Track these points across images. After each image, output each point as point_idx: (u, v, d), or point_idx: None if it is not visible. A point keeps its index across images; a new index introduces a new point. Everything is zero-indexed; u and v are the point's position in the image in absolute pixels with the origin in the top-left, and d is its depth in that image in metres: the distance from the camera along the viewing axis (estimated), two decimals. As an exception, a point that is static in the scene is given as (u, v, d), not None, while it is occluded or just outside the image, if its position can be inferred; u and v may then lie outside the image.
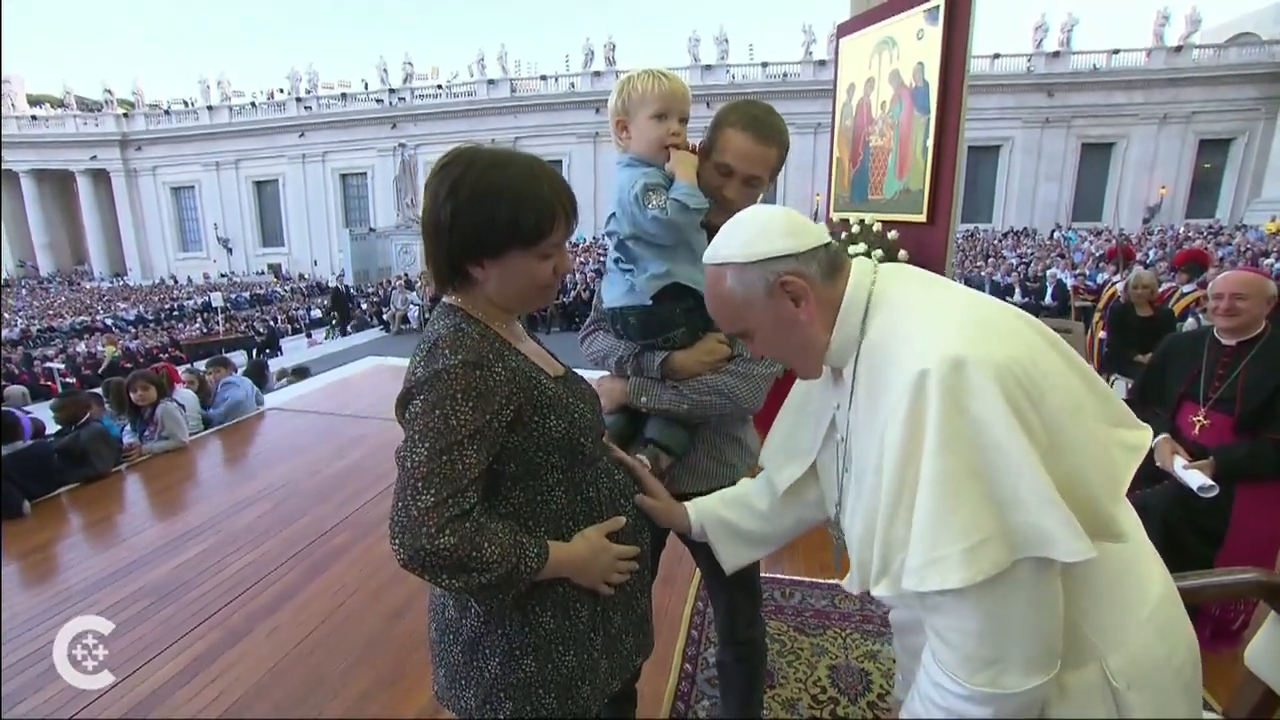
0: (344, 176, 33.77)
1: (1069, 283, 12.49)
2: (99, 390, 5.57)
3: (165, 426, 4.75)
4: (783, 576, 2.78)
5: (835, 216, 4.32)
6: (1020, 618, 0.79)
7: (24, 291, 33.52)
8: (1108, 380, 4.41)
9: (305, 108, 33.32)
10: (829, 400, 1.07)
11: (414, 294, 16.95)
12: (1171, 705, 0.89)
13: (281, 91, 35.01)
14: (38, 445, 4.23)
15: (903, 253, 3.55)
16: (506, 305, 1.04)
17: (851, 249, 3.68)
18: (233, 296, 24.63)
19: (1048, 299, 12.81)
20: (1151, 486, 2.35)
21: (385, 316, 16.99)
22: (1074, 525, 0.75)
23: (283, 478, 4.18)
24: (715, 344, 1.38)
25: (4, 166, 33.33)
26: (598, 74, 29.88)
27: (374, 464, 4.30)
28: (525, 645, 1.01)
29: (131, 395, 4.76)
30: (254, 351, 14.89)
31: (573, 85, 30.70)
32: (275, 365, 8.97)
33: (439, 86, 33.64)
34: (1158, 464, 2.29)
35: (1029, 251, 19.32)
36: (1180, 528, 2.21)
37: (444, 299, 1.05)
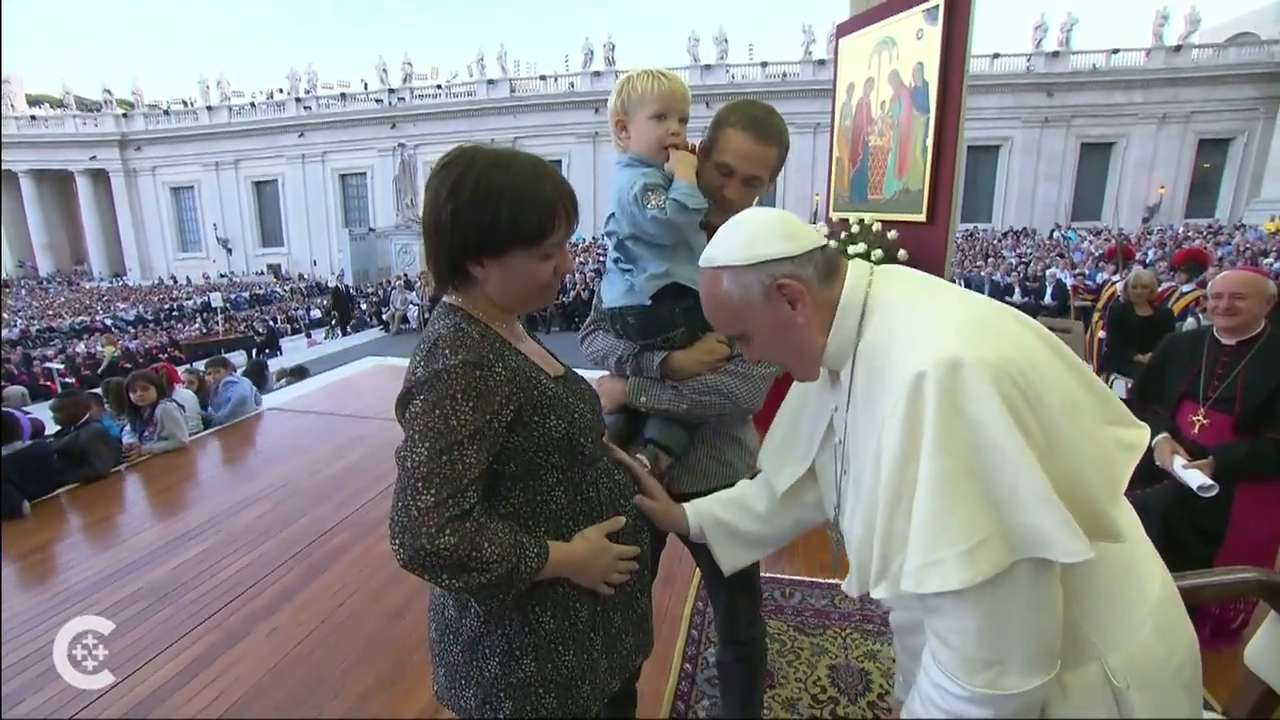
0: (343, 176, 33.76)
1: (1068, 282, 12.49)
2: (98, 390, 5.58)
3: (165, 427, 4.75)
4: (783, 576, 2.78)
5: (835, 216, 4.32)
6: (1019, 619, 0.79)
7: (23, 292, 33.50)
8: (1107, 380, 4.41)
9: (305, 108, 33.31)
10: (826, 402, 1.07)
11: (413, 294, 16.95)
12: (1172, 704, 0.89)
13: (281, 91, 35.00)
14: (37, 445, 4.22)
15: (902, 252, 3.55)
16: (507, 305, 1.04)
17: (851, 249, 3.69)
18: (232, 297, 24.62)
19: (1047, 299, 12.82)
20: (1151, 486, 2.35)
21: (385, 316, 16.99)
22: (1072, 526, 0.76)
23: (282, 478, 4.18)
24: (714, 344, 1.38)
25: (3, 167, 33.29)
26: (597, 74, 29.88)
27: (374, 464, 4.30)
28: (525, 645, 1.01)
29: (131, 395, 4.76)
30: (253, 352, 14.89)
31: (572, 85, 30.70)
32: (275, 365, 8.97)
33: (438, 86, 33.63)
34: (1157, 463, 2.29)
35: (1028, 251, 19.34)
36: (1180, 527, 2.22)
37: (444, 299, 1.04)
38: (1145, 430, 0.93)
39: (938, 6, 3.23)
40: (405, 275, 20.25)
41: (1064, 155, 27.49)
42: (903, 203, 3.67)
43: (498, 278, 1.00)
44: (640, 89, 1.32)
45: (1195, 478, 2.14)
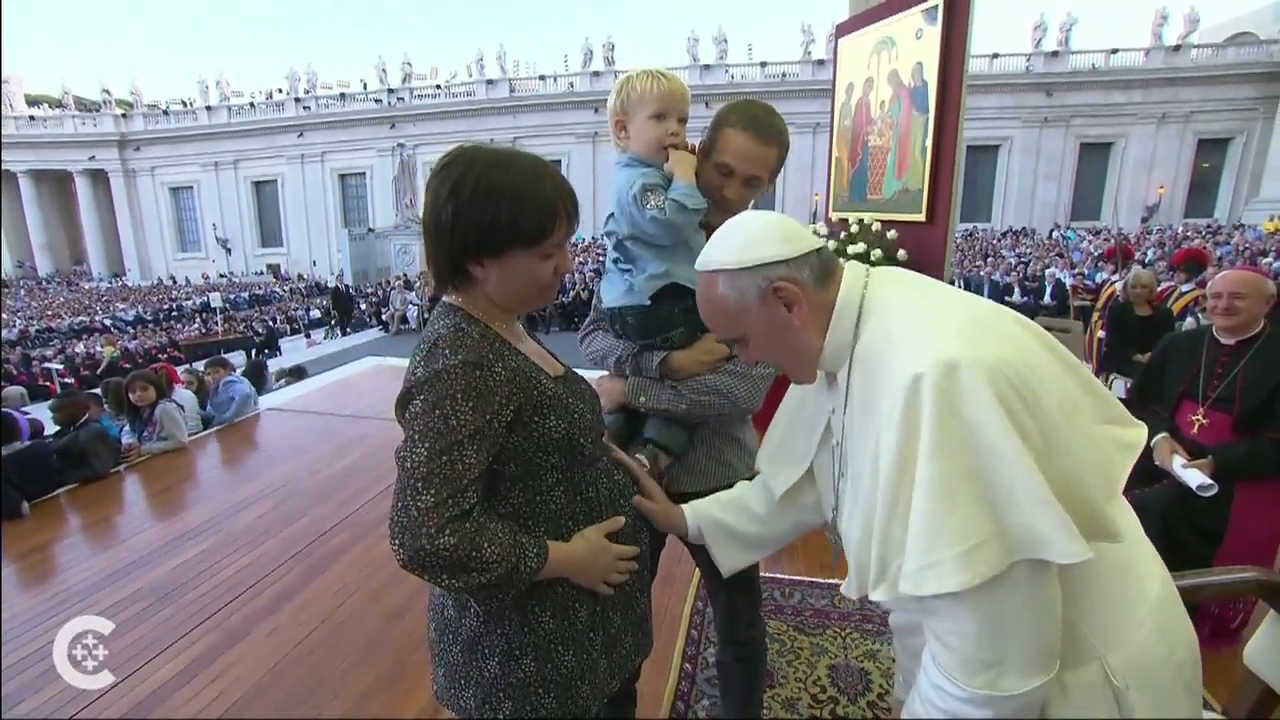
0: (343, 177, 33.74)
1: (1068, 282, 12.49)
2: (98, 391, 5.57)
3: (164, 427, 4.75)
4: (783, 576, 2.78)
5: (834, 216, 4.32)
6: (1018, 620, 0.79)
7: (22, 292, 33.46)
8: (1107, 379, 4.41)
9: (304, 108, 33.29)
10: (824, 405, 1.07)
11: (413, 294, 16.94)
12: (1173, 703, 0.89)
13: (280, 91, 34.97)
14: (36, 446, 4.22)
15: (902, 252, 3.55)
16: (507, 305, 1.04)
17: (851, 248, 3.69)
18: (231, 297, 24.60)
19: (1046, 298, 12.81)
20: (1150, 486, 2.35)
21: (384, 317, 16.98)
22: (1069, 527, 0.76)
23: (282, 478, 4.18)
24: (714, 344, 1.38)
25: (2, 167, 33.27)
26: (596, 74, 29.87)
27: (373, 464, 4.30)
28: (524, 645, 1.01)
29: (130, 396, 4.76)
30: (253, 352, 14.89)
31: (571, 85, 30.69)
32: (274, 366, 8.97)
33: (438, 86, 33.62)
34: (1157, 463, 2.30)
35: (1028, 251, 19.34)
36: (1179, 527, 2.22)
37: (444, 299, 1.04)
38: (1143, 429, 0.93)
39: (937, 6, 3.23)
40: (405, 275, 20.25)
41: (1063, 155, 27.49)
42: (902, 202, 3.67)
43: (498, 277, 1.00)
44: (640, 89, 1.32)
45: (1194, 477, 2.14)
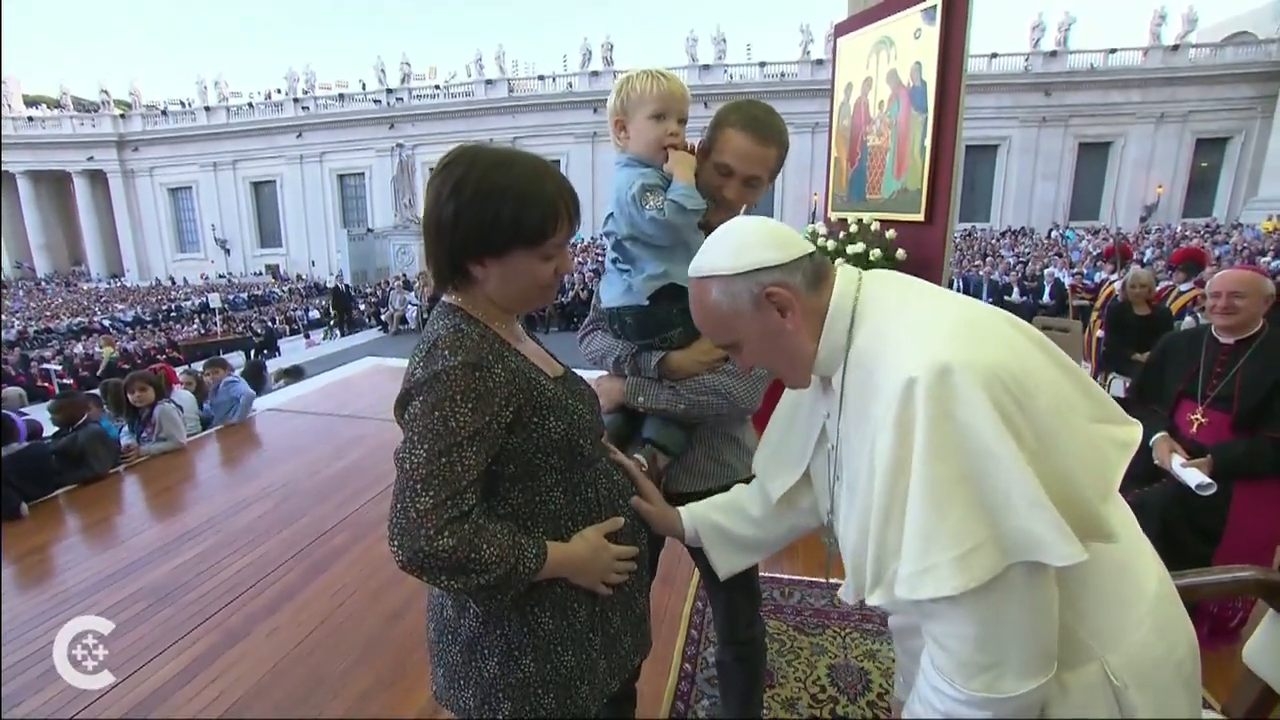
0: (342, 177, 33.74)
1: (1067, 282, 12.48)
2: (97, 392, 5.57)
3: (163, 428, 4.74)
4: (782, 576, 2.79)
5: (833, 216, 4.32)
6: (1015, 622, 0.80)
7: (21, 293, 33.42)
8: (1106, 379, 4.42)
9: (303, 108, 33.28)
10: (819, 409, 1.07)
11: (412, 294, 16.93)
12: (1172, 702, 0.89)
13: (279, 92, 34.97)
14: (35, 447, 4.22)
15: (900, 252, 3.55)
16: (507, 305, 1.04)
17: (850, 248, 3.69)
18: (230, 297, 24.58)
19: (1045, 298, 12.82)
20: (1149, 485, 2.35)
21: (383, 317, 16.97)
22: (1064, 529, 0.76)
23: (282, 478, 4.18)
24: (712, 344, 1.38)
25: (1, 167, 33.24)
26: (595, 74, 29.88)
27: (373, 464, 4.30)
28: (524, 645, 1.01)
29: (129, 396, 4.76)
30: (252, 352, 14.88)
31: (570, 85, 30.69)
32: (273, 366, 8.96)
33: (437, 87, 33.62)
34: (1156, 462, 2.30)
35: (1027, 251, 19.34)
36: (1178, 526, 2.22)
37: (443, 299, 1.04)
38: (1138, 427, 0.93)
39: (935, 6, 3.23)
40: (404, 275, 20.23)
41: (1062, 155, 27.53)
42: (901, 202, 3.67)
43: (498, 278, 1.00)
44: (639, 89, 1.32)
45: (1194, 476, 2.14)
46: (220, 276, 34.98)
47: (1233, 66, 25.66)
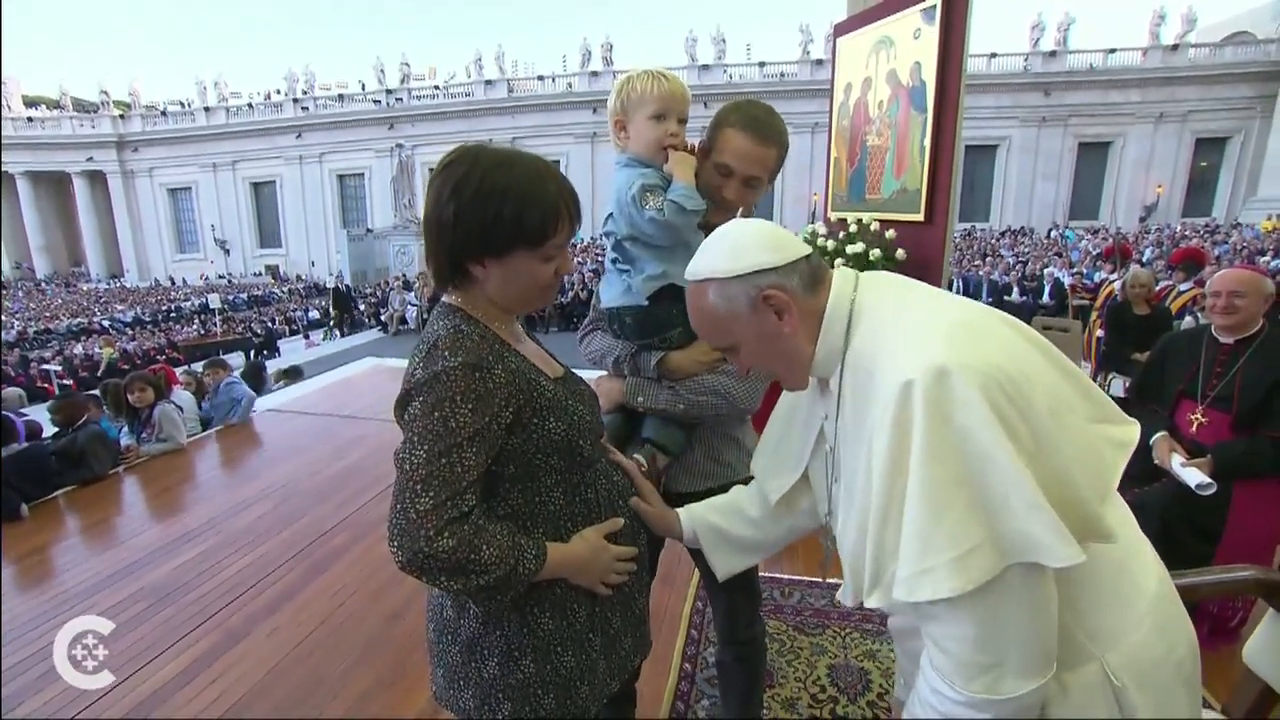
0: (341, 177, 33.74)
1: (1066, 282, 12.49)
2: (96, 392, 5.57)
3: (163, 428, 4.74)
4: (782, 576, 2.79)
5: (833, 216, 4.32)
6: (1014, 623, 0.80)
7: (20, 294, 33.42)
8: (1105, 379, 4.42)
9: (302, 109, 33.29)
10: (817, 410, 1.07)
11: (412, 295, 16.93)
12: (1172, 701, 0.89)
13: (279, 93, 34.98)
14: (35, 448, 4.22)
15: (900, 252, 3.55)
16: (507, 305, 1.04)
17: (849, 248, 3.69)
18: (230, 298, 24.59)
19: (1045, 298, 12.82)
20: (1149, 485, 2.35)
21: (383, 317, 16.97)
22: (1062, 531, 0.76)
23: (282, 479, 4.18)
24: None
25: (1, 168, 33.24)
26: (595, 74, 29.89)
27: (373, 464, 4.30)
28: (524, 646, 1.01)
29: (129, 397, 4.76)
30: (251, 353, 14.88)
31: (570, 85, 30.70)
32: (272, 367, 8.96)
33: (436, 87, 33.66)
34: (1156, 462, 2.30)
35: (1026, 250, 19.35)
36: (1178, 526, 2.22)
37: (443, 299, 1.04)
38: (1136, 426, 0.93)
39: (935, 6, 3.23)
40: (404, 276, 20.23)
41: (1061, 154, 27.54)
42: (901, 202, 3.67)
43: (499, 278, 0.99)
44: (640, 89, 1.32)
45: (1193, 476, 2.14)
46: (220, 277, 34.98)
47: (1232, 66, 25.68)
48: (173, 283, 35.40)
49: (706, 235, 1.01)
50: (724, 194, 1.33)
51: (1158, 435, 2.33)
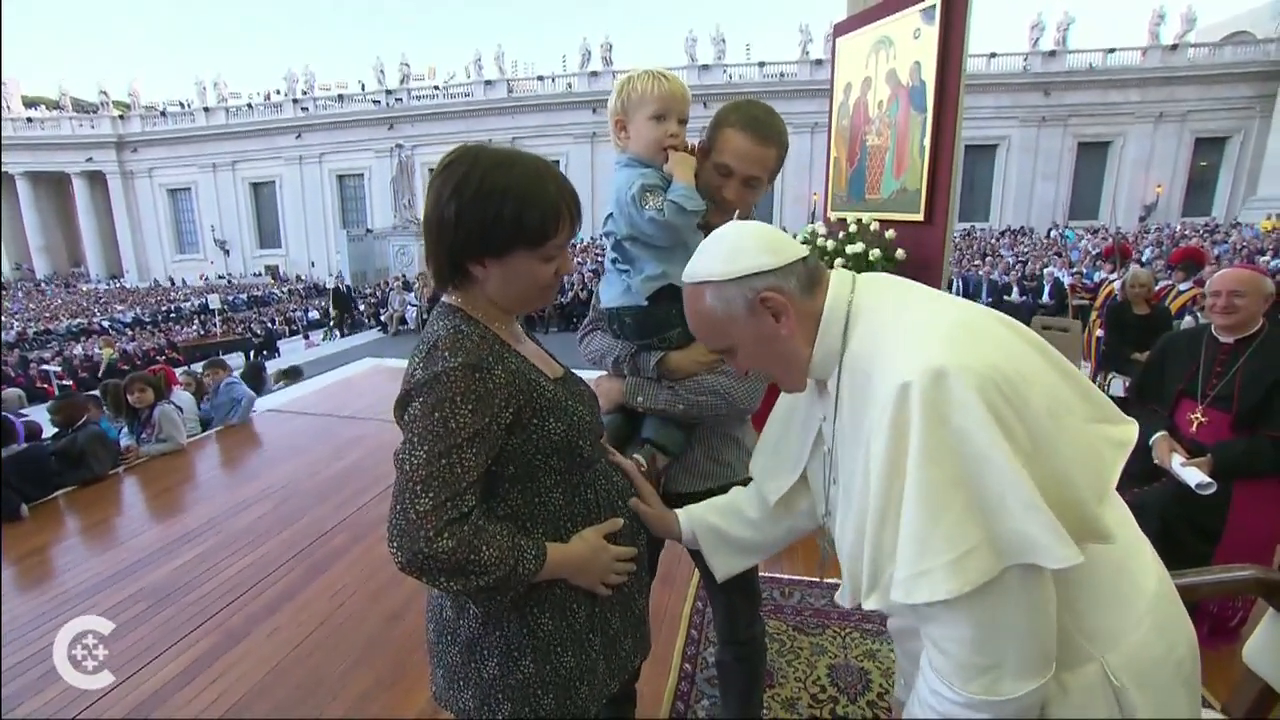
0: (341, 178, 33.75)
1: (1066, 281, 12.49)
2: (96, 393, 5.56)
3: (163, 429, 4.74)
4: (782, 576, 2.79)
5: (833, 216, 4.32)
6: (1013, 624, 0.80)
7: (20, 294, 33.41)
8: (1105, 378, 4.42)
9: (302, 109, 33.29)
10: (815, 412, 1.07)
11: (411, 295, 16.93)
12: (1172, 701, 0.89)
13: (278, 93, 34.99)
14: (34, 448, 4.21)
15: (900, 252, 3.55)
16: (507, 306, 1.04)
17: (849, 248, 3.69)
18: (230, 298, 24.57)
19: (1045, 298, 12.83)
20: (1149, 484, 2.35)
21: (383, 318, 16.98)
22: (1060, 532, 0.76)
23: (282, 479, 4.18)
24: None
25: (1, 169, 33.25)
26: (595, 74, 29.89)
27: (373, 465, 4.30)
28: (523, 646, 1.01)
29: (129, 397, 4.75)
30: (251, 353, 14.87)
31: (570, 85, 30.71)
32: (272, 367, 8.96)
33: (436, 87, 33.67)
34: (1156, 461, 2.30)
35: (1026, 250, 19.36)
36: (1178, 525, 2.22)
37: (443, 299, 1.04)
38: (1134, 426, 0.93)
39: (934, 6, 3.23)
40: (403, 276, 20.23)
41: (1061, 154, 27.56)
42: (900, 202, 3.67)
43: (499, 278, 0.99)
44: (640, 89, 1.32)
45: (1193, 475, 2.14)
46: (220, 277, 34.98)
47: (1231, 66, 25.69)
48: (172, 283, 35.41)
49: (706, 236, 1.01)
50: (724, 194, 1.33)
51: (1157, 435, 2.33)
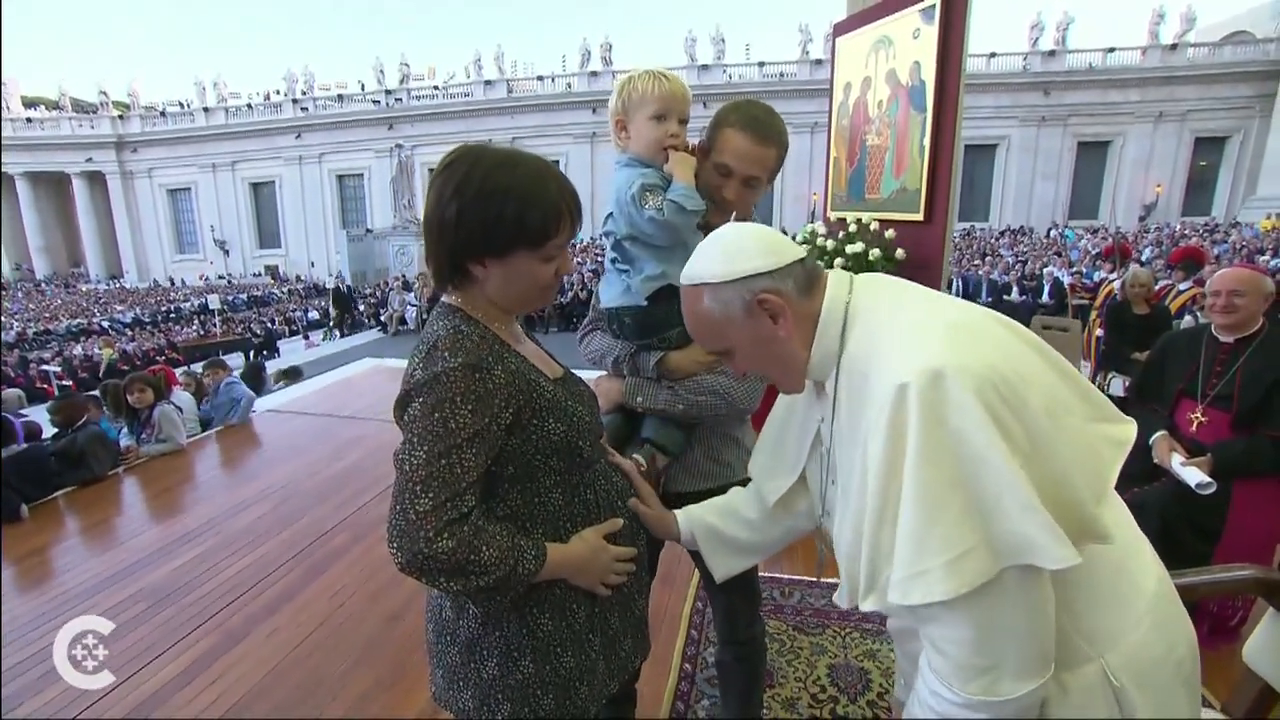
0: (341, 178, 33.74)
1: (1066, 281, 12.49)
2: (96, 393, 5.56)
3: (162, 429, 4.74)
4: (782, 576, 2.79)
5: (832, 215, 4.32)
6: (1011, 625, 0.80)
7: (20, 294, 33.40)
8: (1105, 378, 4.42)
9: (302, 109, 33.28)
10: (813, 413, 1.07)
11: (411, 295, 16.93)
12: (1172, 701, 0.89)
13: (278, 93, 34.99)
14: (34, 448, 4.21)
15: (900, 251, 3.55)
16: (507, 306, 1.04)
17: (849, 248, 3.69)
18: (230, 298, 24.56)
19: (1045, 297, 12.84)
20: (1149, 484, 2.35)
21: (382, 318, 16.98)
22: (1057, 533, 0.76)
23: (281, 479, 4.18)
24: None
25: (1, 169, 33.25)
26: (594, 74, 29.88)
27: (373, 465, 4.30)
28: (523, 647, 1.01)
29: (128, 398, 4.76)
30: (251, 353, 14.87)
31: (569, 85, 30.71)
32: (272, 367, 8.96)
33: (436, 87, 33.66)
34: (1156, 461, 2.30)
35: (1026, 250, 19.35)
36: (1178, 525, 2.22)
37: (443, 299, 1.04)
38: (1132, 425, 0.93)
39: (934, 6, 3.23)
40: (403, 276, 20.23)
41: (1061, 154, 27.55)
42: (900, 202, 3.67)
43: (499, 278, 0.99)
44: (641, 89, 1.32)
45: (1193, 475, 2.14)
46: (219, 278, 34.97)
47: (1231, 65, 25.69)
48: (172, 283, 35.40)
49: (706, 236, 1.01)
50: (723, 194, 1.33)
51: (1157, 434, 2.33)
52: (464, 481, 0.90)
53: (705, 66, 29.09)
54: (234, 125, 34.06)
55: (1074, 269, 14.59)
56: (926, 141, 3.41)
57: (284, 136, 33.44)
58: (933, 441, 0.77)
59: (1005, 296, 13.27)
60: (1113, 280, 5.97)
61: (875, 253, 3.56)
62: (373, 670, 2.33)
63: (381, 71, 32.61)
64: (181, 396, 5.29)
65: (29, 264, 38.66)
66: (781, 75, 28.95)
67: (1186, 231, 21.20)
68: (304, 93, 33.77)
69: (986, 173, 28.27)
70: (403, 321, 16.25)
